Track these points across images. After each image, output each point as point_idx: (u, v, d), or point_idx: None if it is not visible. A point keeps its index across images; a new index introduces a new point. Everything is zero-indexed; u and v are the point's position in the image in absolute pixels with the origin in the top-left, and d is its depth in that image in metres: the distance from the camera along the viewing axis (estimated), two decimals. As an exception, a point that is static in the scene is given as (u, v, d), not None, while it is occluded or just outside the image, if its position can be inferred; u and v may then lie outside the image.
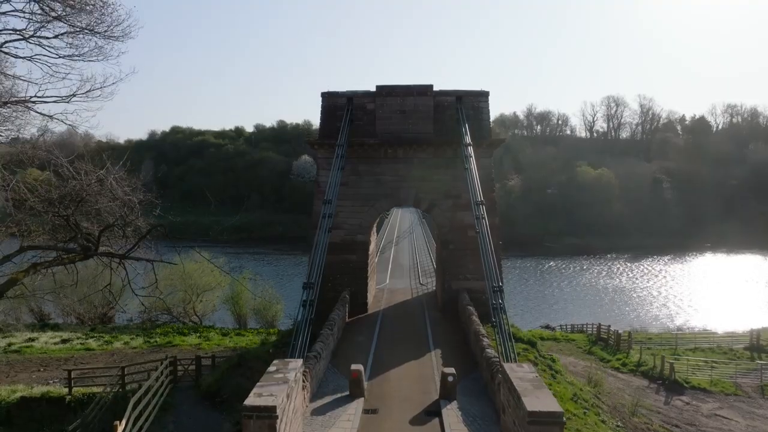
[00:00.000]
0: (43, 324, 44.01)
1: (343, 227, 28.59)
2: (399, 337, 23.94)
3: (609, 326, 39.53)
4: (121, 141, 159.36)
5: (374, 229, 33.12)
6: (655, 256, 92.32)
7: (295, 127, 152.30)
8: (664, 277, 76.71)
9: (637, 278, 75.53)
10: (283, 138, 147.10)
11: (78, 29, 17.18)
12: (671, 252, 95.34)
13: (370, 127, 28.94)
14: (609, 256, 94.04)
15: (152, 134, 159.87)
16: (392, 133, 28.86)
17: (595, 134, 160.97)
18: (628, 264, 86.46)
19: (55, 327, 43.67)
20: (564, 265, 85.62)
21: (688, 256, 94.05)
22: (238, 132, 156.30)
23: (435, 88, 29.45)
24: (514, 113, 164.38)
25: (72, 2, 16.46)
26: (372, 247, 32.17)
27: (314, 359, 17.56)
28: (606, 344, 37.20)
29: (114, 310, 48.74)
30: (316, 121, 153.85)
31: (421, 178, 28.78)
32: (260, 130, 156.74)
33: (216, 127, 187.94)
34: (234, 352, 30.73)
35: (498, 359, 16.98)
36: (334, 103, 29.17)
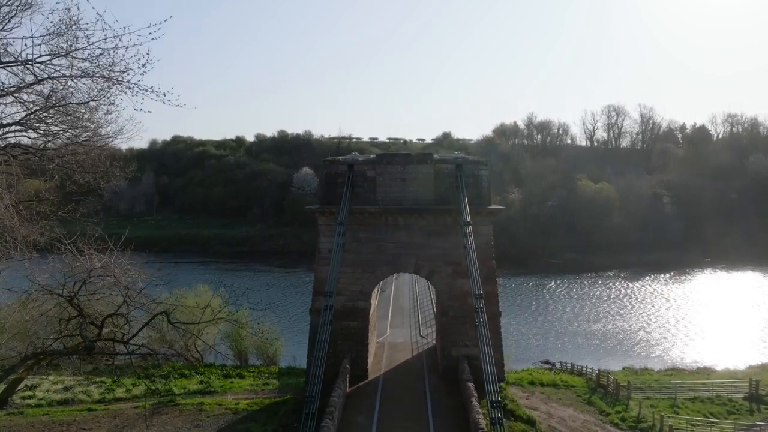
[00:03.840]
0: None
1: (343, 293, 28.77)
2: (399, 415, 24.25)
3: (608, 374, 39.69)
4: (123, 149, 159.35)
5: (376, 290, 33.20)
6: (655, 274, 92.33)
7: (296, 137, 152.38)
8: (665, 299, 76.77)
9: (636, 302, 75.54)
10: (283, 149, 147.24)
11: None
12: (671, 269, 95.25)
13: (371, 195, 29.10)
14: (609, 274, 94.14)
15: (153, 143, 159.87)
16: (393, 201, 29.07)
17: (595, 143, 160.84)
18: (628, 284, 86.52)
19: (56, 366, 43.67)
20: (563, 286, 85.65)
21: (687, 273, 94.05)
22: (239, 142, 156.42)
23: (435, 148, 29.81)
24: (515, 122, 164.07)
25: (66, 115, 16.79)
26: (372, 309, 32.23)
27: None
28: (605, 392, 37.37)
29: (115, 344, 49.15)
30: (316, 131, 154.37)
31: (422, 245, 28.98)
32: (261, 140, 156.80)
33: (217, 135, 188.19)
34: (235, 416, 30.91)
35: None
36: (334, 170, 29.31)
